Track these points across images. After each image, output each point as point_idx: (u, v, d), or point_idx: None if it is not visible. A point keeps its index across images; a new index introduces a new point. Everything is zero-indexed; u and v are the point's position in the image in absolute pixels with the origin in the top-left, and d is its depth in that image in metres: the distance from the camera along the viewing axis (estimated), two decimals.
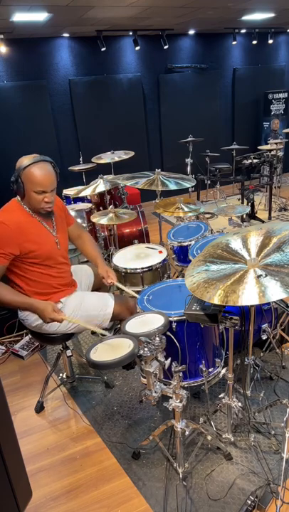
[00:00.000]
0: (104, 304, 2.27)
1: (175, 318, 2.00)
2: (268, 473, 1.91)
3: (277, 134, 7.08)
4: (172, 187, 3.03)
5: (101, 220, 3.16)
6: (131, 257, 2.90)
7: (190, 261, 2.45)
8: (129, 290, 2.49)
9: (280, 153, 5.80)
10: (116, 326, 2.87)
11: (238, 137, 7.03)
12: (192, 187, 3.49)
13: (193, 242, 2.85)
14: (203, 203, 6.29)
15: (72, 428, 2.34)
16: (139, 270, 2.68)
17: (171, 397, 1.72)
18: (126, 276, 2.75)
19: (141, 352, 1.61)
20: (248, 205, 4.86)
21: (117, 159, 4.23)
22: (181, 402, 1.71)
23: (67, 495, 1.95)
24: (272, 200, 5.58)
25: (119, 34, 5.72)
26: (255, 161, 5.15)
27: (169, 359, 1.72)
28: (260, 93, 7.21)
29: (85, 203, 4.30)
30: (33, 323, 2.19)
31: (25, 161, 1.99)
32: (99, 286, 2.59)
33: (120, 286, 2.44)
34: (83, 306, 2.24)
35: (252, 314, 2.05)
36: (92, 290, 2.55)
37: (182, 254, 2.97)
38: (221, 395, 2.08)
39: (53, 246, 2.16)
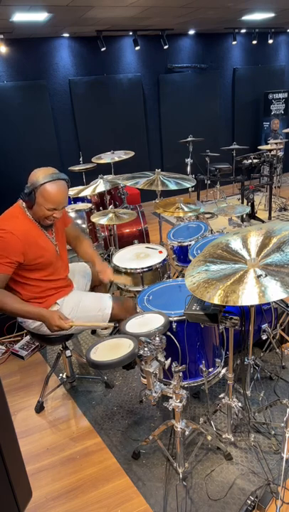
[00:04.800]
0: (103, 305, 2.27)
1: (175, 318, 2.00)
2: (268, 473, 1.91)
3: (277, 134, 7.07)
4: (172, 187, 3.03)
5: (101, 220, 3.16)
6: (131, 257, 2.90)
7: (190, 261, 2.45)
8: (123, 279, 2.66)
9: (280, 153, 5.80)
10: (116, 325, 2.86)
11: (238, 137, 7.03)
12: (192, 187, 3.49)
13: (193, 242, 2.85)
14: (203, 203, 6.29)
15: (72, 428, 2.34)
16: (139, 270, 2.68)
17: (171, 397, 1.72)
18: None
19: (141, 352, 1.61)
20: (248, 205, 4.85)
21: (117, 159, 4.23)
22: (181, 402, 1.71)
23: (67, 495, 1.95)
24: (272, 200, 5.58)
25: (119, 34, 5.72)
26: (255, 161, 5.15)
27: (169, 359, 1.71)
28: (260, 93, 7.21)
29: (85, 203, 4.29)
30: (31, 325, 2.19)
31: (41, 176, 1.98)
32: (97, 284, 2.59)
33: (118, 281, 2.59)
34: (81, 308, 2.24)
35: (252, 314, 2.05)
36: (91, 287, 2.56)
37: (182, 254, 2.97)
38: (221, 395, 2.08)
39: (53, 254, 2.18)
